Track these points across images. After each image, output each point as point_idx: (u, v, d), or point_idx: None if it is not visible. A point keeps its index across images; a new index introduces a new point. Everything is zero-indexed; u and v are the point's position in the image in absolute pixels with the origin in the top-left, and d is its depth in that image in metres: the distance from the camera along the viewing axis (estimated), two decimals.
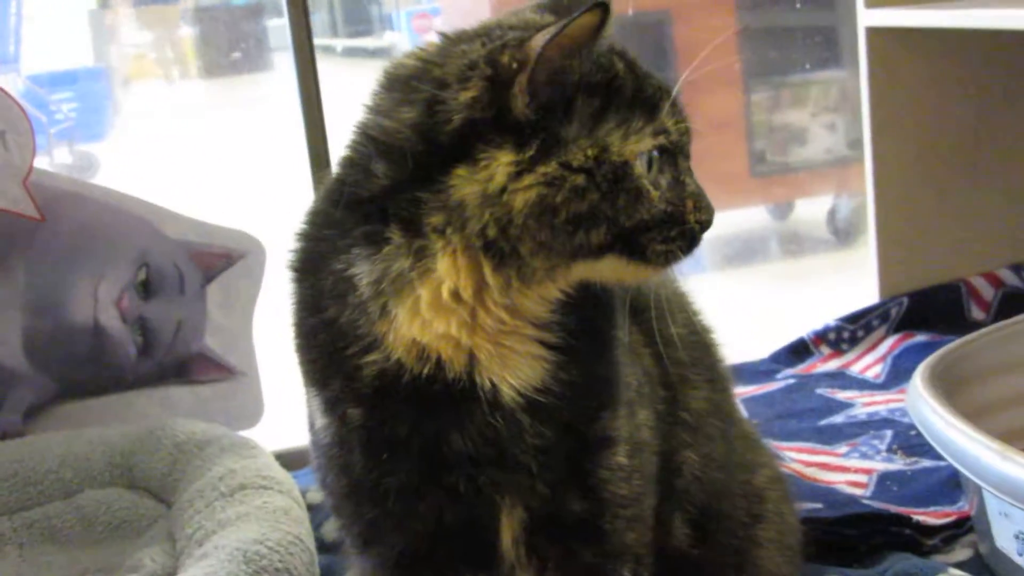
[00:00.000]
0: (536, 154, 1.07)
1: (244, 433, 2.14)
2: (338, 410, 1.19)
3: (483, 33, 1.14)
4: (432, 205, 1.09)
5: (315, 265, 1.18)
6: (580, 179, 1.06)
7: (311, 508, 1.94)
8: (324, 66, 2.45)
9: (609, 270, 1.12)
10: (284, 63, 7.53)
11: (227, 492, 1.85)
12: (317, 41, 2.45)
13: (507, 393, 1.13)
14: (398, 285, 1.11)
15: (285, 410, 2.41)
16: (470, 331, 1.12)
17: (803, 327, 2.74)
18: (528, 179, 1.06)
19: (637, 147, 1.08)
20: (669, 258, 1.11)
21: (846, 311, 2.71)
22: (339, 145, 1.21)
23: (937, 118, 2.66)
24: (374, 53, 8.85)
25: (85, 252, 2.21)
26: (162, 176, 5.27)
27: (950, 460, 1.64)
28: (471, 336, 1.12)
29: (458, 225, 1.08)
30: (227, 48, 7.86)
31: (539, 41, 1.05)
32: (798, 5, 4.58)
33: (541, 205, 1.06)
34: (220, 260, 2.29)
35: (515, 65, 1.06)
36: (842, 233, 4.69)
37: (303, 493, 1.95)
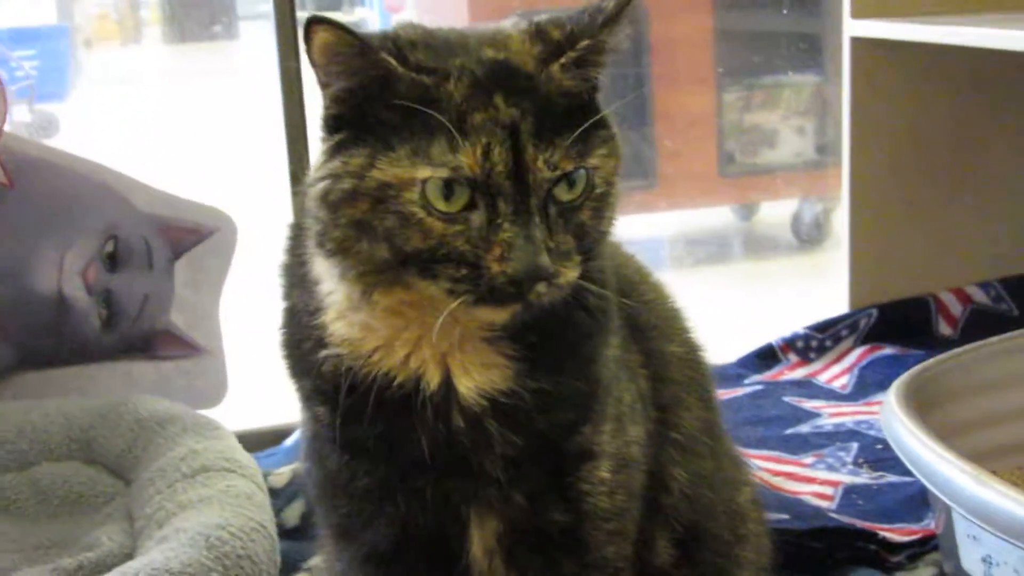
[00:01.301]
0: (332, 148, 1.06)
1: (207, 412, 2.11)
2: (308, 406, 1.20)
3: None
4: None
5: (294, 255, 1.19)
6: (348, 184, 1.03)
7: (272, 492, 1.92)
8: None
9: (435, 292, 1.06)
10: (251, 33, 7.46)
11: (189, 473, 1.83)
12: None
13: (468, 397, 1.11)
14: (319, 279, 1.13)
15: (249, 390, 2.39)
16: (377, 332, 1.11)
17: (765, 330, 2.73)
18: (320, 172, 1.06)
19: (413, 172, 1.02)
20: (456, 297, 1.04)
21: (808, 315, 2.71)
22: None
23: (916, 131, 2.66)
24: None
25: (53, 220, 2.17)
26: (124, 141, 5.21)
27: (923, 480, 1.63)
28: (387, 337, 1.11)
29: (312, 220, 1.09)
30: (193, 14, 7.77)
31: None
32: (784, 11, 4.58)
33: (325, 200, 1.05)
34: (190, 235, 2.26)
35: (311, 59, 1.06)
36: (805, 237, 4.71)
37: (265, 476, 1.93)
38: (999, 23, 2.25)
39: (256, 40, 7.09)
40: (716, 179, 4.68)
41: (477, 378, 1.12)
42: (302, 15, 2.40)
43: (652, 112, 4.48)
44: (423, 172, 1.02)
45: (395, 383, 1.11)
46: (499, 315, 1.07)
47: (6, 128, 2.11)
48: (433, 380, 1.11)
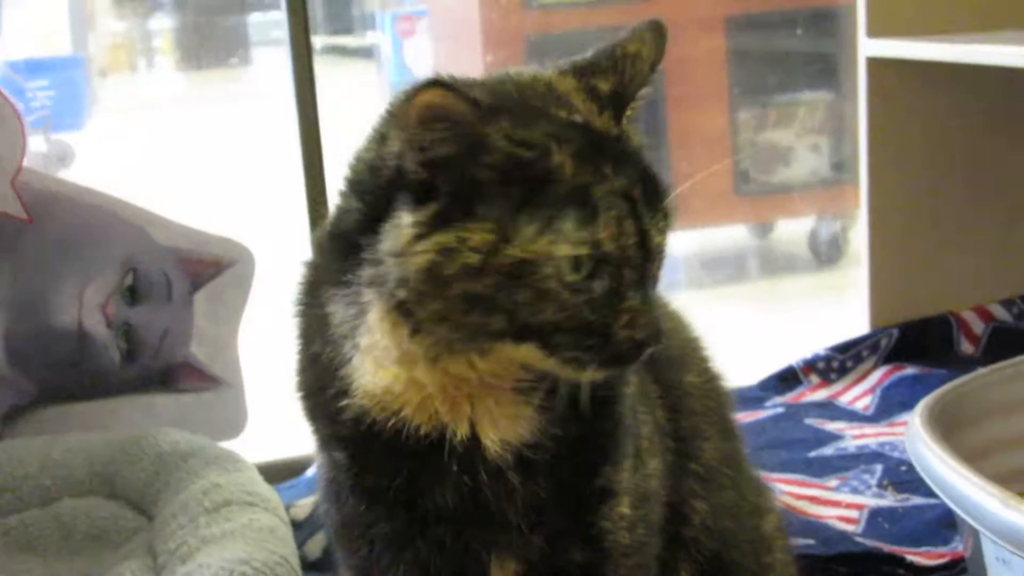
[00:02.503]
0: (435, 219, 1.01)
1: (226, 444, 2.11)
2: (326, 450, 1.19)
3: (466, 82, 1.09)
4: (367, 255, 1.06)
5: (312, 297, 1.17)
6: (474, 259, 1.00)
7: (294, 525, 1.92)
8: None
9: (536, 360, 1.05)
10: (265, 58, 7.49)
11: (211, 508, 1.82)
12: None
13: (492, 449, 1.10)
14: (351, 330, 1.10)
15: (268, 421, 2.38)
16: (423, 388, 1.09)
17: (784, 350, 2.72)
18: (424, 244, 1.01)
19: (551, 250, 1.00)
20: (578, 366, 1.04)
21: (828, 334, 2.70)
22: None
23: (934, 149, 2.65)
24: (354, 52, 8.78)
25: (72, 255, 2.17)
26: (141, 169, 5.23)
27: (950, 504, 1.62)
28: (429, 393, 1.09)
29: (380, 281, 1.05)
30: (207, 41, 7.80)
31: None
32: (798, 31, 4.59)
33: (432, 273, 1.01)
34: (209, 268, 2.26)
35: (404, 120, 1.01)
36: (822, 255, 4.71)
37: (286, 508, 1.93)
38: (1016, 41, 2.24)
39: (270, 65, 7.12)
40: (732, 198, 4.68)
41: (503, 430, 1.11)
42: (316, 40, 2.41)
43: (667, 132, 4.49)
44: (562, 250, 1.00)
45: (420, 433, 1.10)
46: (614, 373, 1.10)
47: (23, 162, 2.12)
48: (460, 431, 1.10)
